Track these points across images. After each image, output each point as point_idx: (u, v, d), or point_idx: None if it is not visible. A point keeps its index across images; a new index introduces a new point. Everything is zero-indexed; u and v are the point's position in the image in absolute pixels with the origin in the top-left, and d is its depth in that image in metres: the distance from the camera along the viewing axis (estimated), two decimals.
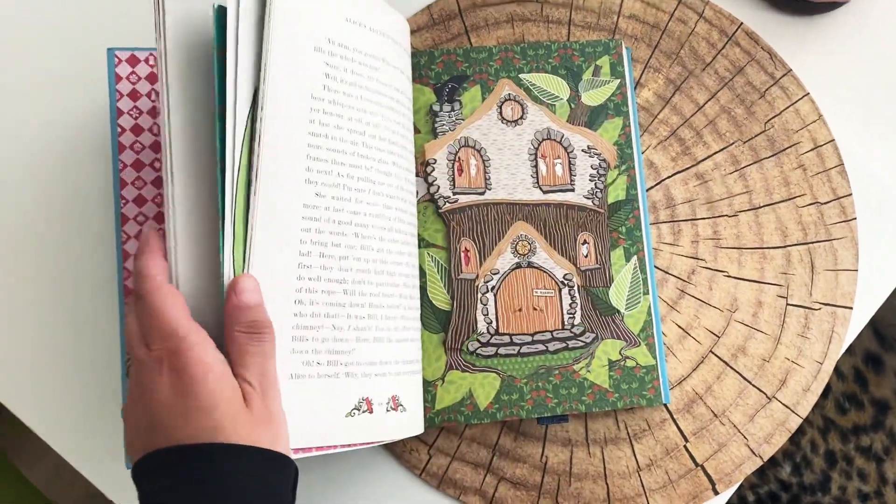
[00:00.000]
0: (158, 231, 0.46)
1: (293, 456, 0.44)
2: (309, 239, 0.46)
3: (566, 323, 0.55)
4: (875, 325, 0.99)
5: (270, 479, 0.41)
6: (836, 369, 0.98)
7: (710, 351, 0.59)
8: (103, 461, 0.59)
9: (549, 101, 0.57)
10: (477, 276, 0.55)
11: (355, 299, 0.47)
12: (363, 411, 0.47)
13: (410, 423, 0.51)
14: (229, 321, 0.43)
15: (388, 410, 0.48)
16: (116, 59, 0.55)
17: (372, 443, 0.48)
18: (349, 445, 0.47)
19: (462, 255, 0.56)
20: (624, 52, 0.59)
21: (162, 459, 0.40)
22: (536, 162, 0.56)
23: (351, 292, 0.47)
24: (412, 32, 0.63)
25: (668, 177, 0.61)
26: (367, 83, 0.49)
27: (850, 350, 0.98)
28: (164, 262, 0.44)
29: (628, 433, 0.59)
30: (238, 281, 0.43)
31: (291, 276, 0.45)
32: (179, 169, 0.44)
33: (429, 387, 0.54)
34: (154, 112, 0.55)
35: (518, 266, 0.55)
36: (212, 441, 0.40)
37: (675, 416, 0.59)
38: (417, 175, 0.56)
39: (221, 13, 0.44)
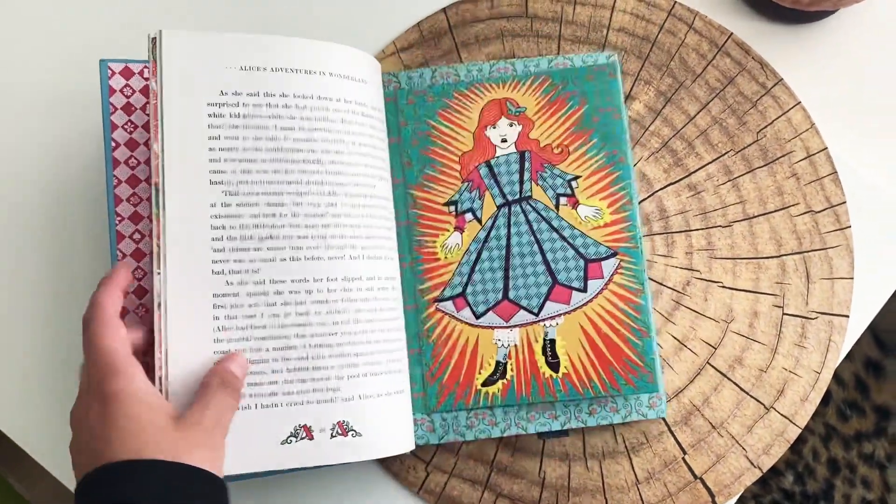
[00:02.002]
0: (130, 268, 0.51)
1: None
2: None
3: None
4: (875, 332, 0.98)
5: (196, 493, 0.42)
6: (837, 376, 0.98)
7: (707, 362, 0.59)
8: None
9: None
10: None
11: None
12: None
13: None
14: (210, 374, 0.47)
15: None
16: (110, 72, 0.54)
17: (318, 466, 0.50)
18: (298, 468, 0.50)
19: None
20: (617, 63, 0.59)
21: (90, 479, 0.41)
22: None
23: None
24: (403, 50, 0.63)
25: (661, 188, 0.61)
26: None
27: (850, 357, 0.98)
28: (120, 296, 0.47)
29: (626, 447, 0.59)
30: (237, 357, 0.48)
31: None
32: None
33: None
34: (150, 126, 0.55)
35: None
36: (133, 459, 0.41)
37: (672, 429, 0.59)
38: None
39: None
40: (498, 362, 0.56)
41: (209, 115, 0.51)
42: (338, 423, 0.51)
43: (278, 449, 0.49)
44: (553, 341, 0.55)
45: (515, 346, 0.55)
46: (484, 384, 0.56)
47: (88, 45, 0.63)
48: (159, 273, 0.49)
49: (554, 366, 0.55)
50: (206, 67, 0.51)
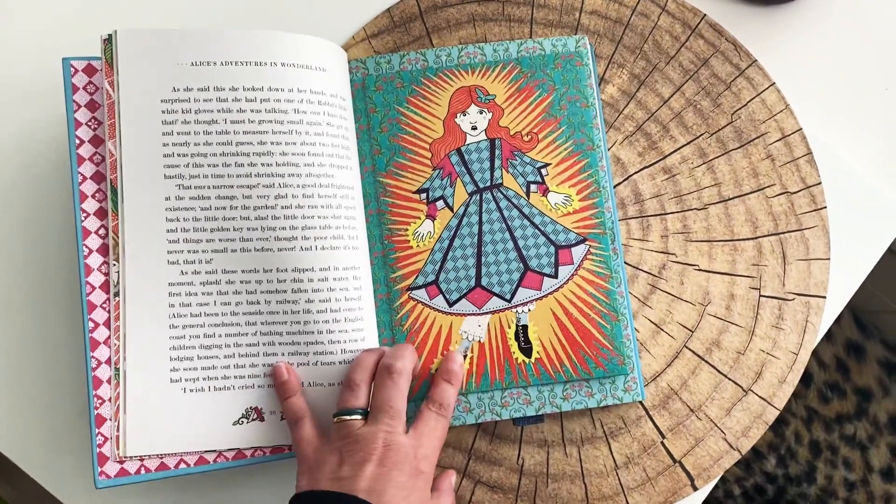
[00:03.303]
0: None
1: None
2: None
3: None
4: (855, 313, 0.98)
5: None
6: (818, 358, 0.98)
7: (684, 346, 0.59)
8: (74, 480, 0.58)
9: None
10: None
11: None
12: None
13: None
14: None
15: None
16: (72, 69, 0.54)
17: (273, 447, 0.54)
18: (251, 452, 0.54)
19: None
20: (588, 48, 0.59)
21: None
22: None
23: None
24: (374, 36, 0.63)
25: (636, 172, 0.61)
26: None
27: (831, 339, 0.98)
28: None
29: (604, 432, 0.58)
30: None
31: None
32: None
33: None
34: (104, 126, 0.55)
35: None
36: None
37: (650, 413, 0.58)
38: None
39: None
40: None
41: (163, 112, 0.52)
42: None
43: (230, 429, 0.53)
44: (525, 327, 0.55)
45: (480, 341, 0.55)
46: None
47: (50, 43, 0.63)
48: (116, 264, 0.52)
49: (527, 351, 0.55)
50: (160, 64, 0.53)
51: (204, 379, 0.52)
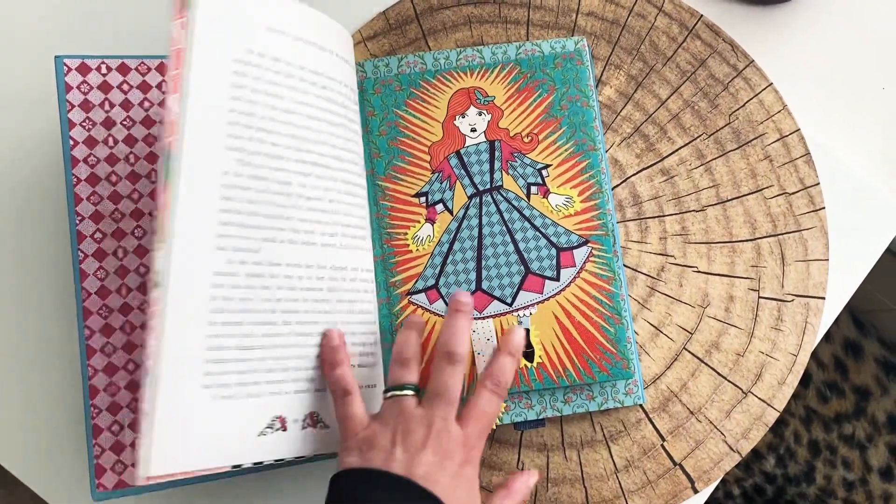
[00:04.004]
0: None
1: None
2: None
3: None
4: (853, 312, 0.99)
5: None
6: (816, 358, 0.98)
7: (684, 348, 0.59)
8: (70, 489, 0.58)
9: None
10: None
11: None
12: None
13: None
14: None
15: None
16: (66, 68, 0.53)
17: (290, 458, 0.49)
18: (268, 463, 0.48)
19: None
20: (586, 49, 0.58)
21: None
22: None
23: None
24: (369, 38, 0.62)
25: (634, 174, 0.61)
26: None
27: (829, 338, 0.98)
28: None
29: (604, 435, 0.58)
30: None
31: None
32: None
33: None
34: (108, 123, 0.53)
35: None
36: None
37: (650, 416, 0.58)
38: None
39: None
40: None
41: (234, 73, 0.46)
42: (309, 413, 0.50)
43: (255, 441, 0.47)
44: (527, 331, 0.55)
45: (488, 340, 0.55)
46: None
47: (42, 41, 0.62)
48: (162, 249, 0.44)
49: (529, 355, 0.55)
50: (237, 19, 0.47)
51: (237, 385, 0.46)
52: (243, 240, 0.46)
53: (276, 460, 0.48)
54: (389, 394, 0.49)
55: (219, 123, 0.45)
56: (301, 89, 0.49)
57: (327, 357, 0.50)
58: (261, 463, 0.48)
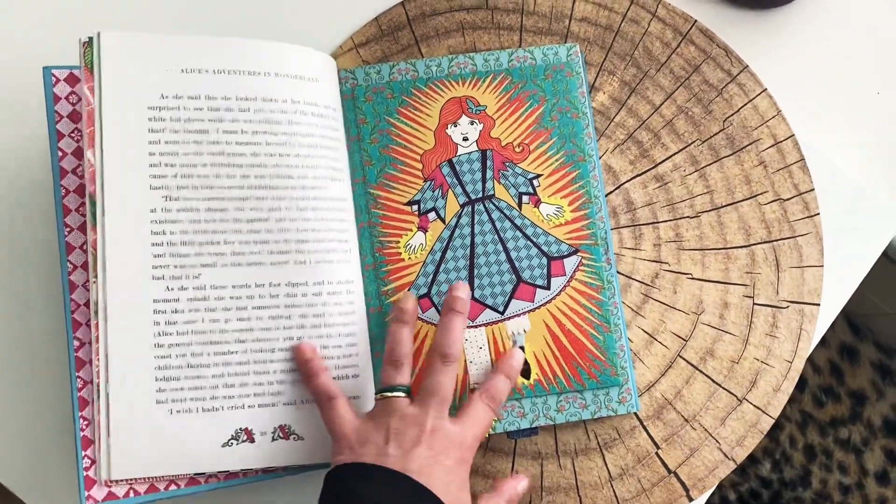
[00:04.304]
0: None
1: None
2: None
3: None
4: (848, 316, 0.98)
5: None
6: (812, 362, 0.98)
7: (678, 355, 0.59)
8: (60, 501, 0.57)
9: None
10: None
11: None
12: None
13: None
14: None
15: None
16: (54, 79, 0.53)
17: (265, 469, 0.52)
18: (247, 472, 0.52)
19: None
20: (579, 56, 0.58)
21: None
22: None
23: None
24: (361, 45, 0.62)
25: (627, 181, 0.61)
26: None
27: (824, 342, 0.98)
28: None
29: (599, 443, 0.58)
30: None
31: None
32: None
33: None
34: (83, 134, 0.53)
35: None
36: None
37: (645, 424, 0.58)
38: None
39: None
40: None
41: (150, 119, 0.50)
42: (279, 426, 0.52)
43: (219, 451, 0.51)
44: (522, 349, 0.55)
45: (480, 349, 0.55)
46: None
47: (30, 52, 0.61)
48: (96, 280, 0.49)
49: (525, 373, 0.55)
50: (146, 70, 0.51)
51: (191, 399, 0.50)
52: (179, 268, 0.50)
53: (266, 470, 0.52)
54: (380, 395, 0.49)
55: (139, 167, 0.50)
56: (229, 118, 0.51)
57: (302, 370, 0.51)
58: (239, 474, 0.52)
